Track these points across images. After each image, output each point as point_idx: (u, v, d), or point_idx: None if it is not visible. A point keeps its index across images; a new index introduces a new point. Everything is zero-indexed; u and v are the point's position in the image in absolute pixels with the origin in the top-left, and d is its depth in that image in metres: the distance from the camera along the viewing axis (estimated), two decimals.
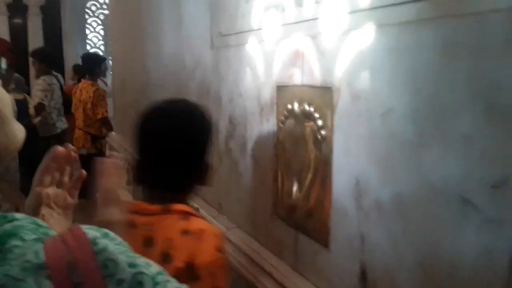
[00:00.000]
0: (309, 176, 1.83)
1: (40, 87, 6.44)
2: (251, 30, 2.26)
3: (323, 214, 1.75)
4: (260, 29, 2.17)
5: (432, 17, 1.24)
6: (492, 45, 1.08)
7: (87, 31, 13.12)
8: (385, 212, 1.43)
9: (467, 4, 1.14)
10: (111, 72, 7.15)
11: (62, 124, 6.68)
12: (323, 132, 1.74)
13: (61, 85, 7.08)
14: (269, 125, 2.11)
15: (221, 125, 2.68)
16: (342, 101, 1.62)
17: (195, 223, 1.54)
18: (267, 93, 2.13)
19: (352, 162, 1.58)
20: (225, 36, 2.55)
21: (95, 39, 13.17)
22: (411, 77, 1.31)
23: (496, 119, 1.07)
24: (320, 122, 1.76)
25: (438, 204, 1.23)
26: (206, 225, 1.59)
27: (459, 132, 1.16)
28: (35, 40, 12.02)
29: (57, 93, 6.63)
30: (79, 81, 7.12)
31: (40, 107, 6.21)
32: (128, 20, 5.04)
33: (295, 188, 1.93)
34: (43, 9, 12.33)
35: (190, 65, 3.11)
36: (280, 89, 2.03)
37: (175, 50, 3.38)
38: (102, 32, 13.10)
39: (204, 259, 1.43)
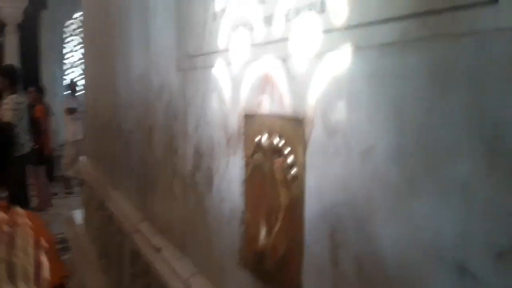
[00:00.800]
0: (279, 220, 1.59)
1: (8, 106, 6.21)
2: (218, 51, 2.04)
3: (294, 267, 1.50)
4: (227, 50, 1.95)
5: (419, 37, 1.03)
6: (496, 72, 0.87)
7: (66, 50, 12.87)
8: (365, 273, 1.19)
9: (463, 21, 0.93)
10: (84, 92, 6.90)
11: (30, 143, 6.44)
12: (294, 170, 1.50)
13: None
14: (236, 158, 1.87)
15: (188, 155, 2.43)
16: (316, 135, 1.39)
17: None
18: (234, 122, 1.89)
19: (327, 207, 1.34)
20: (193, 57, 2.33)
21: (73, 58, 12.92)
22: (396, 109, 1.09)
23: (501, 167, 0.85)
24: (290, 158, 1.52)
25: (429, 271, 0.99)
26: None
27: (456, 179, 0.94)
28: (12, 58, 11.71)
29: (26, 112, 6.41)
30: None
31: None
32: (100, 39, 4.83)
33: (263, 232, 1.68)
34: (20, 27, 12.08)
35: (156, 87, 2.87)
36: (248, 118, 1.80)
37: (143, 71, 3.15)
38: (82, 51, 12.86)
39: None
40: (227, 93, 1.97)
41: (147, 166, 3.18)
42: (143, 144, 3.23)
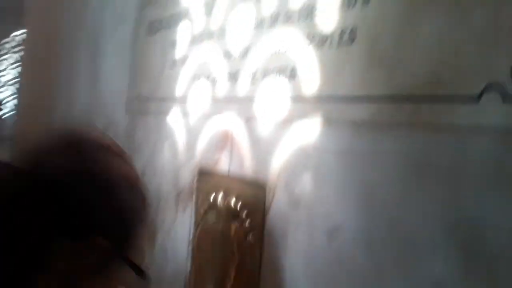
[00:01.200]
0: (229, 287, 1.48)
1: None
2: (174, 99, 1.95)
3: None
4: (185, 99, 1.87)
5: (395, 122, 1.02)
6: (474, 170, 0.86)
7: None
8: None
9: (442, 114, 0.93)
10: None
11: None
12: (250, 237, 1.42)
13: None
14: (186, 216, 1.76)
15: None
16: (278, 204, 1.33)
17: None
18: (187, 176, 1.79)
19: (287, 282, 1.27)
20: (145, 101, 2.22)
21: (8, 76, 12.16)
22: (367, 191, 1.06)
23: (479, 270, 0.83)
24: (248, 224, 1.44)
25: None
26: None
27: (428, 276, 0.90)
28: None
29: None
30: None
31: None
32: (41, 65, 4.54)
33: None
34: None
35: (102, 125, 2.71)
36: (203, 174, 1.70)
37: (87, 107, 2.97)
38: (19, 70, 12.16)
39: None
40: (181, 144, 1.88)
41: None
42: None
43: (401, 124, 1.00)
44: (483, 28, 0.87)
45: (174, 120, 1.94)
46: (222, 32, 1.67)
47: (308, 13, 1.29)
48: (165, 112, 2.02)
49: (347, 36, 1.16)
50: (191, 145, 1.80)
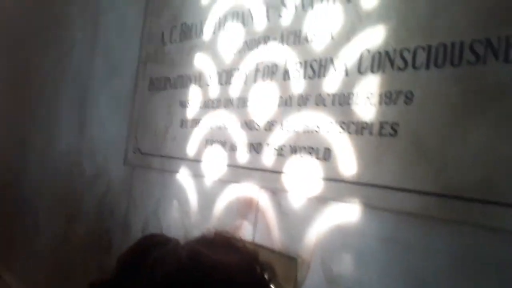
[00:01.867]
0: None
1: None
2: (184, 159, 1.93)
3: None
4: (198, 161, 1.85)
5: (445, 218, 1.08)
6: None
7: None
8: None
9: (495, 217, 1.00)
10: None
11: None
12: None
13: None
14: None
15: None
16: (312, 279, 1.35)
17: None
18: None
19: None
20: (146, 155, 2.17)
21: None
22: (414, 282, 1.10)
23: None
24: None
25: None
26: None
27: None
28: None
29: None
30: None
31: None
32: (15, 101, 4.26)
33: None
34: None
35: (89, 175, 2.59)
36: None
37: (72, 153, 2.82)
38: None
39: None
40: (193, 205, 1.84)
41: (60, 257, 2.78)
42: (58, 230, 2.83)
43: (450, 221, 1.06)
44: None
45: (184, 180, 1.91)
46: (242, 102, 1.68)
47: (344, 100, 1.34)
48: (171, 170, 1.98)
49: (388, 129, 1.21)
50: (205, 208, 1.78)
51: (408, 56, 1.20)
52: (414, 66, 1.18)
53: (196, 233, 1.78)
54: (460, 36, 1.09)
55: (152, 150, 2.13)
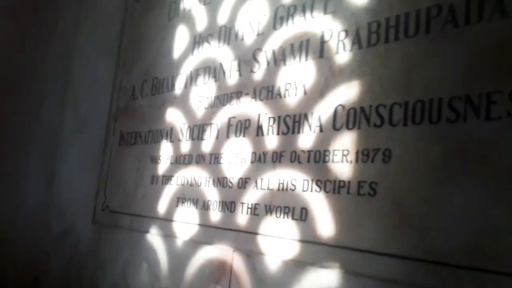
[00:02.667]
0: None
1: None
2: (154, 218, 1.77)
3: None
4: (169, 220, 1.70)
5: (431, 286, 0.96)
6: None
7: None
8: None
9: (487, 284, 0.88)
10: None
11: None
12: None
13: None
14: None
15: None
16: None
17: None
18: None
19: None
20: (115, 213, 1.99)
21: None
22: None
23: None
24: None
25: None
26: None
27: None
28: None
29: None
30: None
31: None
32: None
33: None
34: None
35: (56, 233, 2.37)
36: None
37: (38, 209, 2.60)
38: None
39: None
40: (163, 268, 1.67)
41: None
42: None
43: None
44: None
45: (154, 240, 1.74)
46: (214, 158, 1.56)
47: (319, 157, 1.24)
48: (141, 230, 1.81)
49: (367, 188, 1.11)
50: (176, 271, 1.61)
51: (385, 113, 1.12)
52: (391, 123, 1.10)
53: None
54: (438, 93, 1.02)
55: (121, 208, 1.96)
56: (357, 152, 1.15)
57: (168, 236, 1.68)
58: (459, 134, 0.97)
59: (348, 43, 1.24)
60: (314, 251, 1.20)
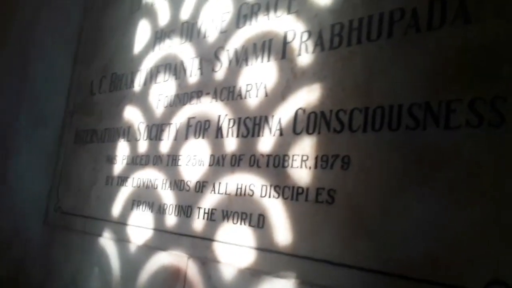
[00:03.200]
0: None
1: None
2: (108, 221, 1.67)
3: None
4: (123, 223, 1.60)
5: None
6: None
7: None
8: None
9: None
10: None
11: None
12: None
13: None
14: None
15: None
16: None
17: None
18: None
19: None
20: (68, 214, 1.88)
21: None
22: None
23: None
24: None
25: None
26: None
27: None
28: None
29: None
30: None
31: None
32: None
33: None
34: None
35: (5, 233, 2.22)
36: None
37: None
38: None
39: None
40: (115, 275, 1.57)
41: None
42: None
43: None
44: (485, 222, 0.83)
45: (107, 244, 1.64)
46: (172, 160, 1.48)
47: (279, 162, 1.18)
48: (94, 233, 1.70)
49: (325, 195, 1.06)
50: (129, 277, 1.51)
51: (345, 118, 1.07)
52: (351, 129, 1.05)
53: None
54: (398, 99, 0.98)
55: (74, 210, 1.84)
56: (316, 158, 1.10)
57: (122, 240, 1.58)
58: (418, 142, 0.94)
59: (310, 44, 1.19)
60: (270, 260, 1.14)
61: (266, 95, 1.26)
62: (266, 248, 1.16)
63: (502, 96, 0.85)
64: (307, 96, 1.16)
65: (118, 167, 1.69)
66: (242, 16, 1.40)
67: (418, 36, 0.99)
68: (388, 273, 0.92)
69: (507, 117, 0.84)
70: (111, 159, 1.73)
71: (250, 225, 1.20)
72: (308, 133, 1.14)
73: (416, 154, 0.94)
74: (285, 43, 1.25)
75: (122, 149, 1.70)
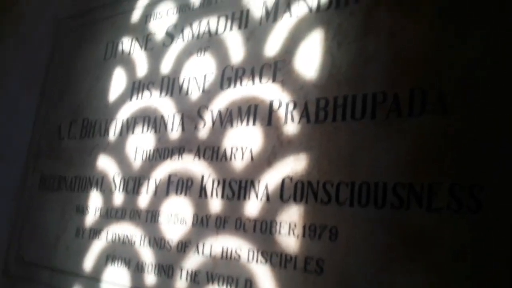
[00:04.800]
0: None
1: None
2: (79, 275, 1.57)
3: None
4: (96, 279, 1.51)
5: None
6: None
7: None
8: None
9: None
10: None
11: None
12: None
13: None
14: None
15: None
16: None
17: None
18: None
19: None
20: (32, 265, 1.74)
21: None
22: None
23: None
24: None
25: None
26: None
27: None
28: None
29: None
30: None
31: None
32: None
33: None
34: None
35: None
36: None
37: None
38: None
39: None
40: None
41: None
42: None
43: None
44: None
45: None
46: (151, 216, 1.44)
47: (266, 227, 1.18)
48: (61, 287, 1.60)
49: (313, 265, 1.08)
50: None
51: (332, 190, 1.10)
52: (338, 201, 1.09)
53: None
54: (383, 177, 1.03)
55: (39, 260, 1.71)
56: (304, 227, 1.12)
57: None
58: (402, 221, 0.99)
59: (296, 115, 1.22)
60: None
61: (252, 159, 1.27)
62: None
63: (480, 185, 0.92)
64: (294, 165, 1.19)
65: (90, 219, 1.61)
66: (226, 78, 1.40)
67: (399, 120, 1.05)
68: None
69: (484, 205, 0.91)
70: (82, 210, 1.64)
71: (237, 287, 1.20)
72: (295, 201, 1.16)
73: (401, 232, 0.99)
74: (270, 110, 1.27)
75: (95, 199, 1.62)
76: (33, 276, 1.71)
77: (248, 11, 1.42)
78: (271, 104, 1.28)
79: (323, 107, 1.18)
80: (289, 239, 1.14)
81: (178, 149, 1.45)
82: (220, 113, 1.38)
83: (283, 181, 1.19)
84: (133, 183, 1.53)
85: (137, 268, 1.42)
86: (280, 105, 1.26)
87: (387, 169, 1.04)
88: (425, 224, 0.96)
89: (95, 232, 1.57)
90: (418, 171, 1.00)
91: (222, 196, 1.30)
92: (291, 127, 1.22)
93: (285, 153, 1.21)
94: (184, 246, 1.33)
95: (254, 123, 1.30)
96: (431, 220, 0.96)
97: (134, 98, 1.65)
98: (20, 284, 1.75)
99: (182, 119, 1.48)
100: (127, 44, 1.74)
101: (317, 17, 1.25)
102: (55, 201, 1.75)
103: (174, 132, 1.48)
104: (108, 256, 1.51)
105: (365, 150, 1.08)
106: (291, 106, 1.24)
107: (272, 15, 1.35)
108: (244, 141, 1.31)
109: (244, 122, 1.32)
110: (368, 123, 1.09)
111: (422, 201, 0.98)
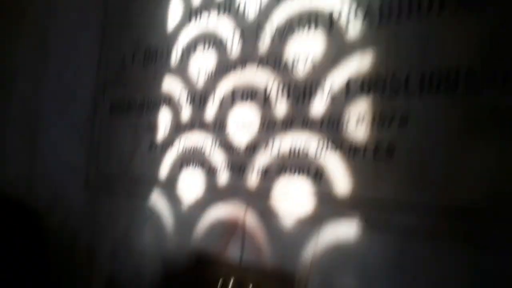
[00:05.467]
0: None
1: None
2: (156, 182, 1.73)
3: None
4: (174, 184, 1.67)
5: (453, 234, 1.06)
6: None
7: None
8: None
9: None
10: None
11: None
12: None
13: None
14: None
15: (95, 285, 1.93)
16: None
17: None
18: (181, 261, 1.60)
19: None
20: (109, 176, 1.93)
21: None
22: None
23: None
24: None
25: None
26: None
27: None
28: None
29: None
30: None
31: None
32: None
33: None
34: None
35: (45, 198, 2.22)
36: (203, 261, 1.54)
37: (24, 172, 2.38)
38: None
39: None
40: (168, 229, 1.66)
41: None
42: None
43: (459, 237, 1.03)
44: None
45: (157, 204, 1.71)
46: (220, 125, 1.55)
47: (333, 123, 1.28)
48: (141, 195, 1.77)
49: (384, 151, 1.16)
50: (184, 231, 1.61)
51: (401, 81, 1.15)
52: (407, 91, 1.14)
53: (176, 256, 1.61)
54: (455, 64, 1.07)
55: (117, 172, 1.90)
56: (373, 117, 1.19)
57: (173, 199, 1.66)
58: (476, 104, 1.04)
59: (360, 14, 1.26)
60: (331, 205, 1.24)
61: (315, 63, 1.33)
62: (326, 193, 1.26)
63: None
64: (360, 63, 1.23)
65: (162, 133, 1.73)
66: None
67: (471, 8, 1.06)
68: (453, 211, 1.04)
69: None
70: (153, 126, 1.77)
71: (308, 175, 1.30)
72: (362, 94, 1.21)
73: (475, 115, 1.04)
74: (331, 17, 1.31)
75: (164, 116, 1.74)
76: (113, 188, 1.89)
77: None
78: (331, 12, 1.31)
79: (388, 2, 1.20)
80: (357, 130, 1.22)
81: (240, 62, 1.52)
82: (279, 25, 1.42)
83: (348, 80, 1.26)
84: (199, 99, 1.63)
85: (209, 171, 1.56)
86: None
87: (459, 55, 1.07)
88: (499, 105, 1.00)
89: (167, 144, 1.70)
90: (492, 57, 1.02)
91: (288, 99, 1.38)
92: (354, 30, 1.26)
93: (350, 54, 1.26)
94: (253, 148, 1.44)
95: (316, 30, 1.34)
96: (505, 101, 0.99)
97: (192, 21, 1.70)
98: (102, 195, 1.95)
99: (242, 35, 1.53)
100: None
101: None
102: (127, 121, 1.87)
103: (235, 47, 1.54)
104: (182, 163, 1.65)
105: (435, 39, 1.11)
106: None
107: None
108: (306, 48, 1.36)
109: (305, 30, 1.36)
110: (437, 13, 1.11)
111: (496, 85, 1.01)
